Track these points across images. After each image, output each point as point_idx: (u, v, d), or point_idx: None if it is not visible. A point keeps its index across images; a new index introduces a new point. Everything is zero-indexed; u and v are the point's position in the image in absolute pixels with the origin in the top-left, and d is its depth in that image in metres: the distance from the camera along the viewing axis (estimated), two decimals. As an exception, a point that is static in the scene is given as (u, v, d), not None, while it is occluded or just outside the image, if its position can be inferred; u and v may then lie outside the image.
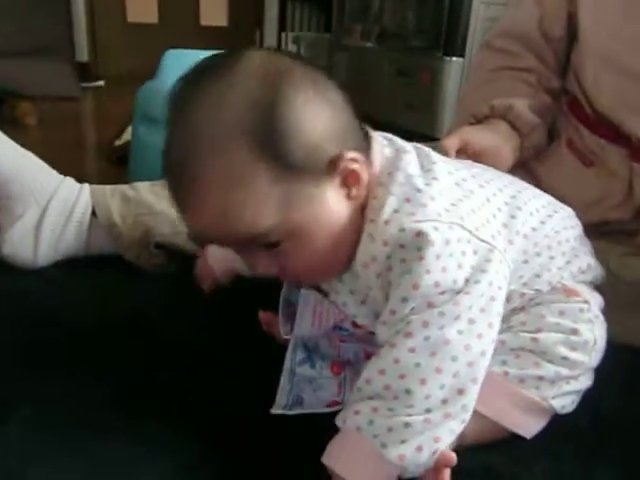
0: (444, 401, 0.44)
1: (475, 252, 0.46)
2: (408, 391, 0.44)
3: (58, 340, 0.62)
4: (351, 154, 0.45)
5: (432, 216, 0.45)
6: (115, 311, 0.69)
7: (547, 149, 0.81)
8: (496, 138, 0.74)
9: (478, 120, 0.78)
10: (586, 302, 0.53)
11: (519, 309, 0.52)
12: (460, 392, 0.45)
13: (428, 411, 0.44)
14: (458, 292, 0.45)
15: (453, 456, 0.43)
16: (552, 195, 0.59)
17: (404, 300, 0.45)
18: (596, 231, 0.66)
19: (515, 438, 0.50)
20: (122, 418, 0.51)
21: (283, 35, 3.07)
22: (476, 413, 0.48)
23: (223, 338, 0.64)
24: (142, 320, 0.67)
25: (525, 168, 0.79)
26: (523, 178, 0.60)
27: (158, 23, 3.29)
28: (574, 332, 0.50)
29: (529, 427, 0.50)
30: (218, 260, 0.68)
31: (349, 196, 0.47)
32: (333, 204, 0.46)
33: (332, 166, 0.45)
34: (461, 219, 0.46)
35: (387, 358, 0.45)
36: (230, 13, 3.34)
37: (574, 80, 0.79)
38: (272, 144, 0.42)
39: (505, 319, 0.51)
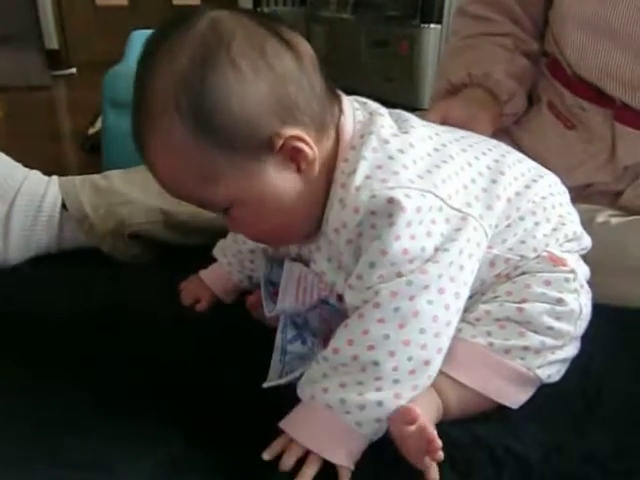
0: (411, 372, 0.45)
1: (447, 221, 0.46)
2: (376, 363, 0.44)
3: (33, 335, 0.61)
4: (291, 131, 0.44)
5: (404, 183, 0.45)
6: (92, 305, 0.67)
7: (528, 113, 0.80)
8: (475, 107, 0.73)
9: (456, 88, 0.77)
10: (572, 272, 0.52)
11: (504, 276, 0.51)
12: (426, 363, 0.45)
13: (396, 382, 0.44)
14: (427, 261, 0.45)
15: (417, 411, 0.43)
16: (534, 160, 0.58)
17: (372, 265, 0.45)
18: (579, 194, 0.65)
19: (503, 408, 0.50)
20: (99, 416, 0.50)
21: (258, 11, 3.01)
22: (461, 385, 0.48)
23: (207, 327, 0.63)
24: (122, 313, 0.65)
25: (506, 133, 0.78)
26: (504, 143, 0.59)
27: (128, 5, 3.21)
28: (559, 302, 0.50)
29: (515, 397, 0.50)
30: (218, 280, 0.66)
31: (299, 170, 0.46)
32: (278, 180, 0.46)
33: (271, 143, 0.44)
34: (434, 187, 0.46)
35: (356, 329, 0.45)
36: (203, -10, 3.24)
37: (553, 41, 0.77)
38: (202, 119, 0.42)
39: (490, 288, 0.51)
